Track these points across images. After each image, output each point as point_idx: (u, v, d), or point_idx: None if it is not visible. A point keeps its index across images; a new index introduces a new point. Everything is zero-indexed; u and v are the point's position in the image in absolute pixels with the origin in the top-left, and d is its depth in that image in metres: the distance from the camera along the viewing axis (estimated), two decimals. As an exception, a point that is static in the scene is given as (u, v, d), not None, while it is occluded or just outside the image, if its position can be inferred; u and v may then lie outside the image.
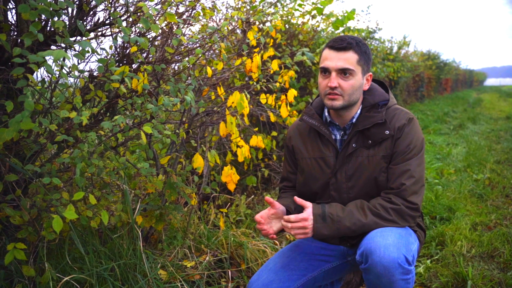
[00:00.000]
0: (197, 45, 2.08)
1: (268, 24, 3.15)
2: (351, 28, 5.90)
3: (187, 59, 1.89)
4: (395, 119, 1.60)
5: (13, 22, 1.64)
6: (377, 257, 1.39)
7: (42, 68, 1.61)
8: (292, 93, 2.34)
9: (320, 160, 1.69)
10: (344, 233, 1.51)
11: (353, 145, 1.62)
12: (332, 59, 1.54)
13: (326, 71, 1.56)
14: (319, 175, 1.68)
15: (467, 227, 2.93)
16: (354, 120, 1.64)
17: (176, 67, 2.31)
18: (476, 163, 4.98)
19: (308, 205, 1.53)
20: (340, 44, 1.53)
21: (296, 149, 1.76)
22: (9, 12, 1.65)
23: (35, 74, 1.57)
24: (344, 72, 1.54)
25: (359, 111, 1.65)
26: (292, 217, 1.49)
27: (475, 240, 2.73)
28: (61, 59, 1.22)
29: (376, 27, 7.22)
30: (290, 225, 1.49)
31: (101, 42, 1.98)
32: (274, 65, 2.34)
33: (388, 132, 1.58)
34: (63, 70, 1.41)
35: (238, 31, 3.46)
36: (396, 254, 1.39)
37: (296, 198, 1.55)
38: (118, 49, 1.96)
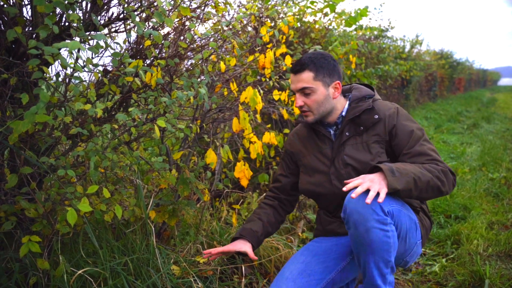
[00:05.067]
0: (211, 39, 2.07)
1: (280, 22, 3.13)
2: (364, 26, 5.86)
3: (200, 54, 1.88)
4: (382, 107, 1.73)
5: (28, 17, 1.65)
6: (352, 205, 1.45)
7: (57, 63, 1.61)
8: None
9: (319, 153, 1.80)
10: (410, 185, 1.50)
11: (346, 133, 1.73)
12: (293, 81, 1.74)
13: (293, 92, 1.77)
14: (319, 167, 1.78)
15: (483, 226, 2.88)
16: (343, 113, 1.77)
17: (189, 65, 2.31)
18: (492, 162, 4.90)
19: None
20: (295, 68, 1.72)
21: (296, 152, 1.88)
22: (24, 9, 1.66)
23: (49, 69, 1.58)
24: (304, 92, 1.70)
25: (347, 106, 1.78)
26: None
27: (491, 239, 2.67)
28: (76, 51, 1.22)
29: (388, 26, 7.16)
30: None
31: (115, 38, 1.99)
32: (288, 61, 2.32)
33: (377, 116, 1.69)
34: (78, 63, 1.41)
35: (250, 28, 3.44)
36: (370, 202, 1.41)
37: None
38: (131, 45, 1.97)
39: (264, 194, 2.04)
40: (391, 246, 1.46)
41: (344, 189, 1.47)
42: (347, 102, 1.78)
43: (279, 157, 3.55)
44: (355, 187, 1.46)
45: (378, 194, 1.43)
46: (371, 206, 1.42)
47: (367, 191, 1.43)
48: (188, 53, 2.10)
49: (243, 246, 1.72)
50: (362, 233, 1.44)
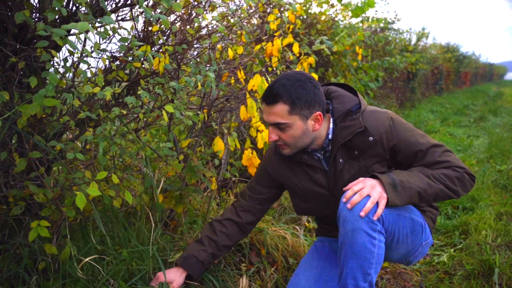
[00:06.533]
0: (218, 25, 2.05)
1: (286, 13, 3.11)
2: (370, 18, 5.82)
3: (208, 39, 1.87)
4: (375, 122, 1.50)
5: (35, 4, 1.64)
6: (345, 205, 1.37)
7: (64, 49, 1.61)
8: (314, 77, 2.29)
9: (311, 182, 1.62)
10: (414, 200, 1.41)
11: (340, 160, 1.54)
12: (265, 112, 1.49)
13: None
14: (316, 195, 1.62)
15: (491, 217, 2.86)
16: (330, 136, 1.55)
17: (195, 55, 2.30)
18: (499, 154, 4.86)
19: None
20: (267, 98, 1.46)
21: (281, 177, 1.69)
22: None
23: (56, 57, 1.57)
24: (278, 126, 1.48)
25: (331, 125, 1.55)
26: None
27: (500, 230, 2.66)
28: (84, 34, 1.21)
29: (394, 18, 7.12)
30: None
31: (121, 27, 1.98)
32: (296, 49, 2.31)
33: (372, 138, 1.49)
34: (86, 48, 1.40)
35: (255, 20, 3.42)
36: (365, 215, 1.34)
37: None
38: (139, 32, 1.95)
39: (233, 202, 1.83)
40: (373, 256, 1.35)
41: (343, 199, 1.38)
42: (331, 120, 1.55)
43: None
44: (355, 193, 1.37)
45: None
46: (363, 207, 1.35)
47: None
48: (195, 43, 2.09)
49: (176, 279, 1.60)
50: (348, 232, 1.34)
